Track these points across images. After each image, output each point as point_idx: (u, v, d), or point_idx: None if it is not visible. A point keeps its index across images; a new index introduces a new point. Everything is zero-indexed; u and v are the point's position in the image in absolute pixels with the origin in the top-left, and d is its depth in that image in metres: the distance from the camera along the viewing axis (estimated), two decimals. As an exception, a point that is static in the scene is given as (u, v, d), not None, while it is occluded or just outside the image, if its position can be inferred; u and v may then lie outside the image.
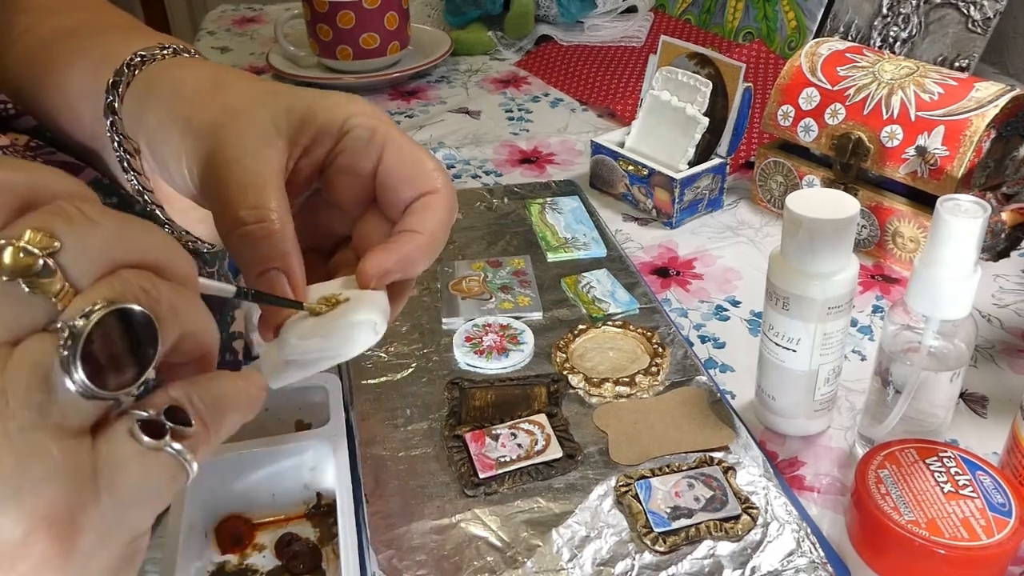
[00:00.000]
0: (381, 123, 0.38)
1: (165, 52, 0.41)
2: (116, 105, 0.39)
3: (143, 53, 0.40)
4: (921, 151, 0.66)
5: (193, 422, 0.26)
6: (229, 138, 0.35)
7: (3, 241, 0.23)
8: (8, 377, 0.22)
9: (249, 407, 0.29)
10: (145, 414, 0.25)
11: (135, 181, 0.41)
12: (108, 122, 0.40)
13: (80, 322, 0.23)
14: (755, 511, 0.43)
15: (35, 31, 0.48)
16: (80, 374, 0.23)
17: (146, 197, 0.41)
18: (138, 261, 0.25)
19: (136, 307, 0.24)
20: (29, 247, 0.23)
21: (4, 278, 0.22)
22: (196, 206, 0.38)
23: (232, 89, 0.38)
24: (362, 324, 0.34)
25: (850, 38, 1.01)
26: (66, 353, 0.23)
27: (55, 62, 0.45)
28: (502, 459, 0.47)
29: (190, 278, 0.27)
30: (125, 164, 0.40)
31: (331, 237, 0.40)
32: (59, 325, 0.23)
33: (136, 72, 0.40)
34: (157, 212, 0.42)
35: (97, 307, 0.23)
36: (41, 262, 0.23)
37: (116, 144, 0.40)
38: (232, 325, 0.56)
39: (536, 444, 0.48)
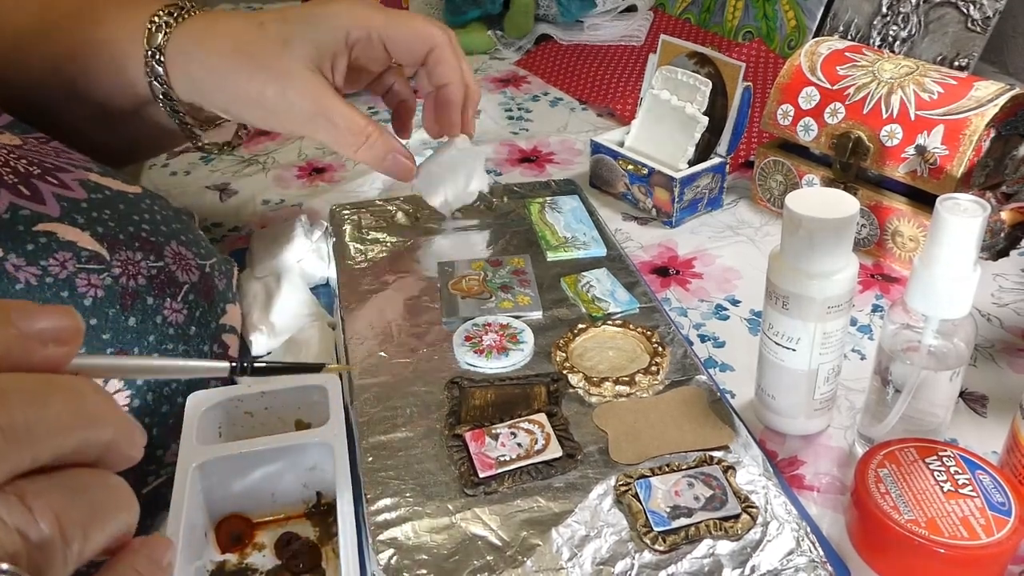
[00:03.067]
0: (372, 18, 0.52)
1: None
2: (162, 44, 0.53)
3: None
4: (921, 150, 0.66)
5: None
6: (298, 94, 0.51)
7: None
8: None
9: None
10: None
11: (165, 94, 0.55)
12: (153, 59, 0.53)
13: None
14: (755, 510, 0.43)
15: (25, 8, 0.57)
16: None
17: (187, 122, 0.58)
18: (47, 461, 0.20)
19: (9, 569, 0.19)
20: None
21: None
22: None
23: (264, 49, 0.51)
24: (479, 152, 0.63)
25: (850, 37, 1.01)
26: None
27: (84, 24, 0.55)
28: (502, 458, 0.47)
29: (118, 446, 0.23)
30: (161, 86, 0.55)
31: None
32: None
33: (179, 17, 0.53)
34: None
35: None
36: None
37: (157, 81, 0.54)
38: (223, 317, 0.55)
39: (536, 443, 0.48)
